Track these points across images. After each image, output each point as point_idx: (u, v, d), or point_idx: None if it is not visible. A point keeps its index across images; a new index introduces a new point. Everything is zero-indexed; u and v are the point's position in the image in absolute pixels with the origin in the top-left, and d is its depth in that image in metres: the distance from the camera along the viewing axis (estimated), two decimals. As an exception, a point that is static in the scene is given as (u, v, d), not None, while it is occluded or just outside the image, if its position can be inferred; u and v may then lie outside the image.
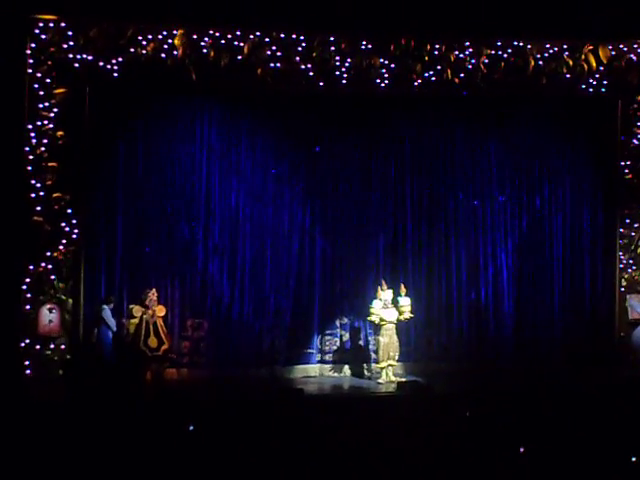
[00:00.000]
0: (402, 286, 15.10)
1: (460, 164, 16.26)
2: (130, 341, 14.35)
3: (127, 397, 12.69)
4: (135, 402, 12.34)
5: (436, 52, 15.10)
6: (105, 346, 14.30)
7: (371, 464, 9.31)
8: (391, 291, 15.03)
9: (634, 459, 9.32)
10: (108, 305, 14.43)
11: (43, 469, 9.19)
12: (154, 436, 10.08)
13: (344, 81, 14.97)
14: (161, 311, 14.61)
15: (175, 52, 14.43)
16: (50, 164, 14.23)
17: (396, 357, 14.94)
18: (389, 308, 14.89)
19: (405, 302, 14.99)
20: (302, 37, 14.77)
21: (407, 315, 14.97)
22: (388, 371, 14.88)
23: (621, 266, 16.01)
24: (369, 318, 14.99)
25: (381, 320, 14.82)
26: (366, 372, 15.58)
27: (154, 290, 14.54)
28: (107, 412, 11.29)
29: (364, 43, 14.91)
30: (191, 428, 10.36)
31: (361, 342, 15.87)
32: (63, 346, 14.26)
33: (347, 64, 14.90)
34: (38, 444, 9.76)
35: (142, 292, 14.69)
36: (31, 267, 14.11)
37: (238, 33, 14.59)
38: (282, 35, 14.70)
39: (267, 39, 14.66)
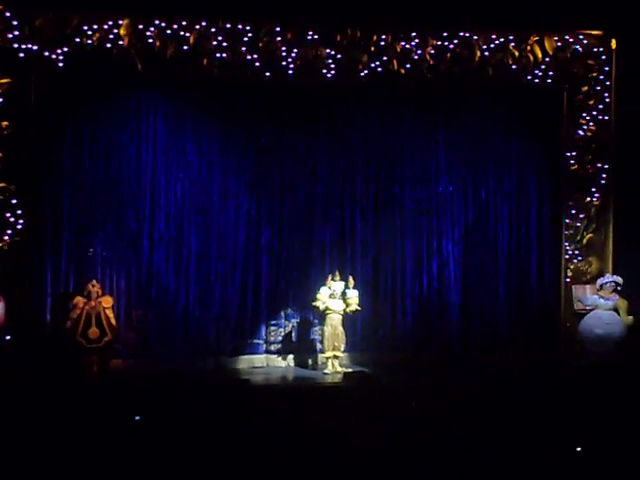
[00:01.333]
0: (350, 278, 15.12)
1: (407, 155, 16.19)
2: (67, 333, 14.28)
3: (66, 389, 12.68)
4: (75, 394, 12.32)
5: (382, 43, 15.07)
6: None
7: (319, 455, 9.30)
8: (343, 283, 15.09)
9: (579, 449, 9.35)
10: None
11: None
12: (98, 427, 10.04)
13: (290, 72, 14.95)
14: (107, 302, 14.51)
15: (121, 42, 14.36)
16: (-6, 154, 14.19)
17: (341, 348, 14.95)
18: (336, 299, 14.96)
19: (353, 294, 15.02)
20: (248, 27, 14.72)
21: (354, 307, 14.98)
22: (334, 362, 14.92)
23: (567, 257, 16.04)
24: (314, 303, 15.00)
25: (327, 309, 14.88)
26: (312, 362, 15.62)
27: (94, 281, 14.47)
28: (48, 404, 11.26)
29: (310, 33, 14.87)
30: (137, 418, 10.32)
31: (306, 332, 15.85)
32: (8, 337, 14.19)
33: (293, 54, 14.89)
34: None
35: (89, 283, 14.71)
36: (-25, 258, 14.07)
37: (184, 23, 14.52)
38: (228, 25, 14.65)
39: (213, 29, 14.60)
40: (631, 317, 15.01)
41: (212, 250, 15.55)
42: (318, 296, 14.93)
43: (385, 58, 15.13)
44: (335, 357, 14.89)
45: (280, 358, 15.77)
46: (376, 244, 16.19)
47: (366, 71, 15.15)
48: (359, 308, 15.08)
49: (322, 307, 14.89)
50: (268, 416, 10.49)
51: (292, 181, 15.85)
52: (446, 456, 9.11)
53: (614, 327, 14.82)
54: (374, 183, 16.16)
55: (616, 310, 15.07)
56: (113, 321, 14.37)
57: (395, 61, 15.15)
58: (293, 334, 15.87)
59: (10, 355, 14.08)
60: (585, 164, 15.95)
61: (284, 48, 14.86)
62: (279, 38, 14.84)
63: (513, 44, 15.44)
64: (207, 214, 15.55)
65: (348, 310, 14.96)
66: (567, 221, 16.05)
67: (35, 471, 8.76)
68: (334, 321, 14.87)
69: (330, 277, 15.08)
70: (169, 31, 14.51)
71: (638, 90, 15.66)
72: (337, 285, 15.04)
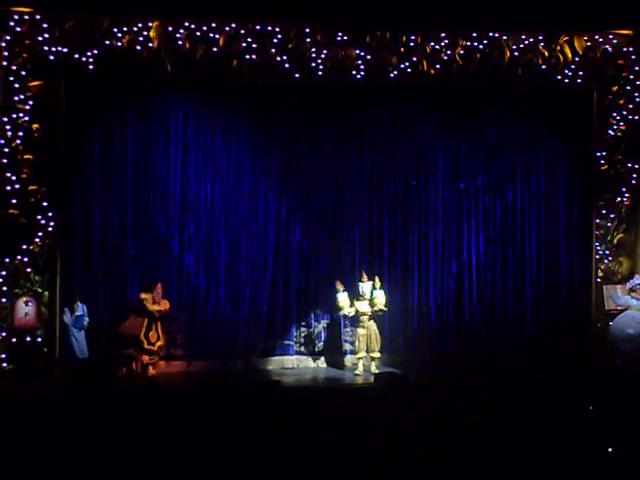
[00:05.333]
0: (377, 279, 15.11)
1: (435, 155, 16.24)
2: (133, 329, 14.45)
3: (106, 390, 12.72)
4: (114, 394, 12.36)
5: (412, 43, 15.16)
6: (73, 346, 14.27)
7: (349, 455, 9.30)
8: (371, 283, 15.06)
9: (610, 450, 9.33)
10: (70, 306, 14.36)
11: (18, 464, 9.12)
12: (130, 429, 10.06)
13: (320, 73, 15.02)
14: (165, 306, 14.65)
15: (150, 44, 14.47)
16: (26, 157, 14.23)
17: (376, 349, 14.90)
18: (365, 300, 14.94)
19: (378, 294, 14.97)
20: (278, 29, 14.80)
21: (378, 307, 14.90)
22: (371, 363, 14.87)
23: (597, 257, 16.05)
24: (340, 313, 15.11)
25: (356, 312, 14.88)
26: (343, 363, 15.63)
27: (160, 284, 14.62)
28: (84, 406, 11.27)
29: (340, 34, 14.97)
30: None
31: (336, 333, 15.85)
32: (39, 339, 14.24)
33: (323, 56, 14.96)
34: (14, 438, 9.70)
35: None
36: (7, 260, 14.10)
37: (214, 25, 14.63)
38: (258, 27, 14.73)
39: (242, 31, 14.69)
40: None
41: (242, 251, 15.59)
42: (340, 304, 14.96)
43: (414, 59, 15.21)
44: (372, 359, 14.84)
45: (311, 359, 15.78)
46: (405, 244, 16.19)
47: (395, 72, 15.21)
48: (384, 309, 15.02)
49: (350, 312, 14.91)
50: (300, 417, 10.52)
51: (321, 182, 15.89)
52: (475, 455, 9.14)
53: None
54: (402, 183, 16.17)
55: None
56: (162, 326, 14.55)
57: (424, 62, 15.24)
58: (323, 335, 15.90)
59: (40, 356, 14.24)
60: (615, 164, 15.97)
61: (313, 49, 14.95)
62: (308, 39, 14.94)
63: (543, 44, 15.50)
64: (237, 215, 15.59)
65: (372, 310, 14.92)
66: (597, 221, 16.07)
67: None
68: (365, 322, 14.84)
69: (338, 283, 15.13)
70: (199, 33, 14.60)
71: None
72: (365, 286, 15.02)
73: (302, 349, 15.79)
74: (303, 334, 15.81)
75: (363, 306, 14.91)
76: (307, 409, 11.04)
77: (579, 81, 15.71)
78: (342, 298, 15.00)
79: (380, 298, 14.99)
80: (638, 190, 16.01)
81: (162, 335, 14.47)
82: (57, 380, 13.95)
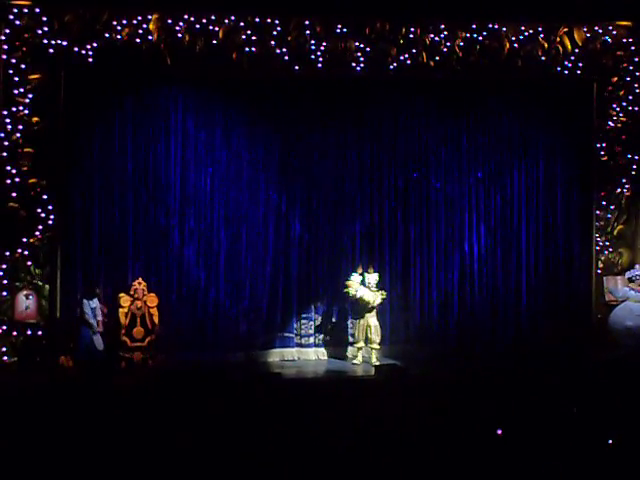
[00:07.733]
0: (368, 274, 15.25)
1: (436, 147, 16.22)
2: (113, 331, 14.38)
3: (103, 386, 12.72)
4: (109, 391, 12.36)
5: (411, 35, 15.12)
6: (82, 343, 14.21)
7: (350, 447, 9.29)
8: (377, 275, 15.16)
9: (610, 442, 9.31)
10: (90, 299, 14.31)
11: (18, 459, 9.11)
12: (130, 422, 10.06)
13: (320, 65, 15.01)
14: (152, 301, 14.51)
15: (150, 37, 14.46)
16: (26, 150, 14.22)
17: (377, 340, 14.96)
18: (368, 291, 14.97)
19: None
20: (277, 21, 14.78)
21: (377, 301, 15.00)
22: (371, 355, 14.91)
23: (597, 248, 16.05)
24: (346, 290, 15.11)
25: (360, 300, 14.95)
26: (343, 355, 15.61)
27: (140, 279, 14.49)
28: (84, 400, 11.28)
29: (339, 27, 14.95)
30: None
31: (337, 325, 15.89)
32: (40, 332, 14.24)
33: (322, 48, 14.94)
34: (15, 431, 9.70)
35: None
36: (7, 253, 14.11)
37: (213, 17, 14.61)
38: (257, 19, 14.71)
39: (242, 23, 14.68)
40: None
41: (242, 244, 15.60)
42: (350, 282, 15.09)
43: (414, 50, 15.18)
44: (372, 350, 14.88)
45: (311, 351, 15.78)
46: (405, 237, 16.19)
47: (395, 64, 15.19)
48: (382, 299, 15.10)
49: (356, 295, 14.96)
50: (300, 409, 10.52)
51: (321, 175, 15.88)
52: (476, 447, 9.12)
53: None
54: (402, 175, 16.18)
55: None
56: (156, 319, 14.43)
57: (424, 53, 15.21)
58: (323, 327, 15.89)
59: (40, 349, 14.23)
60: (615, 155, 15.95)
61: (313, 41, 14.92)
62: (308, 31, 14.90)
63: (542, 35, 15.47)
64: (237, 208, 15.60)
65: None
66: (597, 212, 16.06)
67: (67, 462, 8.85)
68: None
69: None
70: (198, 26, 14.58)
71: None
72: (371, 277, 15.11)
73: (302, 341, 15.78)
74: (303, 326, 15.79)
75: (367, 296, 14.96)
76: (308, 401, 11.06)
77: (579, 72, 15.68)
78: (354, 279, 15.08)
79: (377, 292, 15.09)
80: (638, 181, 16.00)
81: (152, 328, 14.41)
82: (58, 373, 13.91)
